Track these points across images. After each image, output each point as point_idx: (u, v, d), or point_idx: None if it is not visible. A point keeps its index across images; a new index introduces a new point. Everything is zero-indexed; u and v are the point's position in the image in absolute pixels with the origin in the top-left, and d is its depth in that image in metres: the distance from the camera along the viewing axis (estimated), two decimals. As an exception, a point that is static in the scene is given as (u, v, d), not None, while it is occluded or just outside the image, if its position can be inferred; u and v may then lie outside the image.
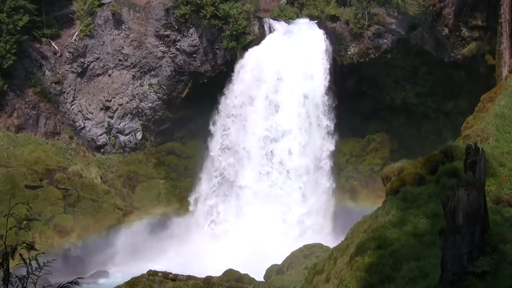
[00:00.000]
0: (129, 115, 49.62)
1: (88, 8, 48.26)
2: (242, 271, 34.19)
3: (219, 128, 46.88)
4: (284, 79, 44.89)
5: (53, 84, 47.76)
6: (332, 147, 46.02)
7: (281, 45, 45.78)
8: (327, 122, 45.58)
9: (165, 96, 49.64)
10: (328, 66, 45.79)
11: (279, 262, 34.77)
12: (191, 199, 47.91)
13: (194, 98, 48.72)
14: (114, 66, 48.92)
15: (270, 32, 47.51)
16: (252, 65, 45.78)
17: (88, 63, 48.64)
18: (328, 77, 45.57)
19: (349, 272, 15.00)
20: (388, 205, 16.88)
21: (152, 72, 49.28)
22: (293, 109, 44.99)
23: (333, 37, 46.67)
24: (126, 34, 48.89)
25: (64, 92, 48.33)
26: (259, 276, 34.35)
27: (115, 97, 49.20)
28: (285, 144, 44.96)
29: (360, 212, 31.34)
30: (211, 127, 47.15)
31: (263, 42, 46.73)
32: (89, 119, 48.82)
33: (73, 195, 42.99)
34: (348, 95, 47.21)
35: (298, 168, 44.97)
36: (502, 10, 31.98)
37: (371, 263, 14.25)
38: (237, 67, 46.33)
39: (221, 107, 46.81)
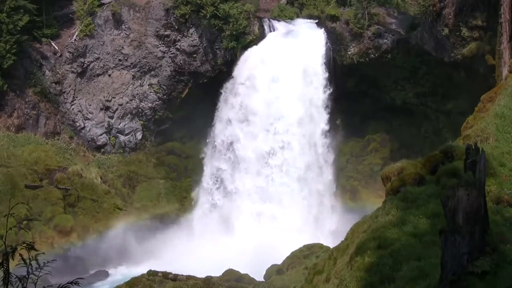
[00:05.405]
0: (129, 115, 49.62)
1: (88, 8, 48.25)
2: (242, 271, 34.21)
3: (219, 128, 46.82)
4: (284, 79, 44.85)
5: (53, 84, 47.76)
6: (330, 146, 45.99)
7: (281, 45, 45.76)
8: (327, 122, 45.52)
9: (165, 96, 49.65)
10: (328, 66, 45.75)
11: (279, 262, 34.77)
12: (191, 198, 47.90)
13: (194, 98, 48.72)
14: (114, 66, 48.93)
15: (270, 32, 47.50)
16: (252, 64, 45.73)
17: (88, 63, 48.64)
18: (328, 77, 45.53)
19: (349, 272, 15.00)
20: (388, 205, 16.88)
21: (152, 72, 49.29)
22: (293, 108, 44.94)
23: (333, 37, 46.67)
24: (126, 34, 48.90)
25: (64, 92, 48.33)
26: (259, 276, 34.37)
27: (115, 97, 49.21)
28: (284, 143, 44.93)
29: (360, 212, 31.38)
30: (211, 127, 47.10)
31: (263, 42, 46.71)
32: (89, 119, 48.82)
33: (73, 195, 42.98)
34: (348, 95, 47.20)
35: (297, 167, 44.91)
36: (502, 10, 31.98)
37: (371, 263, 14.25)
38: (237, 66, 46.29)
39: (220, 107, 46.74)
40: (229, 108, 46.88)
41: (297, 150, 45.03)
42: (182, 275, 31.88)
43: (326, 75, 45.66)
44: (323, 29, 46.73)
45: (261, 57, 45.68)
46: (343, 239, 19.55)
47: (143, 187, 47.87)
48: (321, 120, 45.78)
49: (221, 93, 46.65)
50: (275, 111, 45.27)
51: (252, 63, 45.93)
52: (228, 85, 46.80)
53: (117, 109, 49.38)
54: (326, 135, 45.76)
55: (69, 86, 48.41)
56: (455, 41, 40.24)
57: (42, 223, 40.61)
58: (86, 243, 41.89)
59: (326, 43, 46.18)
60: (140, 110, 49.72)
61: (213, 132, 47.43)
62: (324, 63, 45.68)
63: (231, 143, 46.42)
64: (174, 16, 47.93)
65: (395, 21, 47.38)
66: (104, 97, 48.92)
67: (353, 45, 46.64)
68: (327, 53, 46.03)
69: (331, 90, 45.46)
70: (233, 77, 46.49)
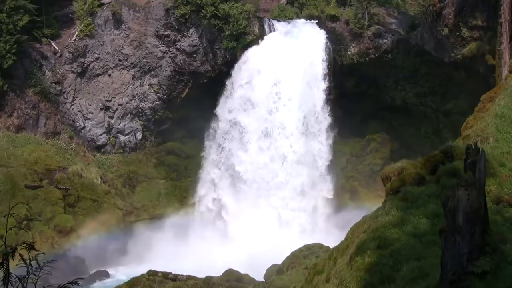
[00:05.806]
0: (129, 115, 49.62)
1: (88, 8, 48.25)
2: (242, 271, 34.19)
3: (218, 128, 46.74)
4: (284, 78, 44.77)
5: (53, 84, 47.75)
6: (330, 146, 45.84)
7: (281, 45, 45.69)
8: (326, 121, 45.38)
9: (165, 96, 49.64)
10: (328, 66, 45.64)
11: (279, 262, 34.75)
12: (191, 199, 47.84)
13: (194, 98, 48.69)
14: (114, 66, 48.92)
15: (270, 32, 47.46)
16: (252, 64, 45.63)
17: (88, 63, 48.64)
18: (328, 77, 45.46)
19: (349, 272, 14.99)
20: (388, 205, 16.86)
21: (152, 72, 49.28)
22: (292, 108, 44.86)
23: (333, 37, 46.64)
24: (126, 34, 48.89)
25: (64, 92, 48.33)
26: (259, 276, 34.34)
27: (115, 97, 49.21)
28: (283, 143, 44.78)
29: (360, 212, 31.34)
30: (210, 127, 47.02)
31: (263, 42, 46.65)
32: (89, 119, 48.82)
33: (73, 195, 42.98)
34: (348, 95, 47.18)
35: (296, 168, 44.80)
36: (502, 10, 31.98)
37: (371, 263, 14.24)
38: (237, 66, 46.22)
39: (220, 106, 46.59)
40: (211, 165, 45.53)
41: (296, 149, 44.59)
42: (182, 275, 31.89)
43: (326, 75, 45.01)
44: (323, 29, 46.65)
45: (261, 57, 45.20)
46: (343, 239, 19.54)
47: (143, 187, 47.86)
48: (324, 187, 44.56)
49: (220, 93, 46.18)
50: (268, 178, 43.44)
51: (251, 63, 45.41)
52: (211, 128, 45.22)
53: (117, 109, 49.38)
54: (324, 134, 45.31)
55: (69, 86, 48.42)
56: (455, 41, 40.25)
57: (42, 223, 40.60)
58: (86, 243, 41.86)
59: (326, 43, 46.04)
60: (140, 110, 49.72)
61: (197, 192, 45.68)
62: (324, 63, 45.18)
63: (219, 212, 44.49)
64: (174, 16, 47.93)
65: (395, 21, 47.41)
66: (104, 97, 48.92)
67: (353, 45, 46.65)
68: (327, 53, 45.78)
69: (331, 90, 45.11)
70: (216, 114, 45.18)
